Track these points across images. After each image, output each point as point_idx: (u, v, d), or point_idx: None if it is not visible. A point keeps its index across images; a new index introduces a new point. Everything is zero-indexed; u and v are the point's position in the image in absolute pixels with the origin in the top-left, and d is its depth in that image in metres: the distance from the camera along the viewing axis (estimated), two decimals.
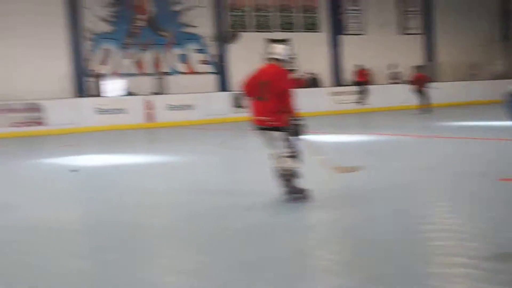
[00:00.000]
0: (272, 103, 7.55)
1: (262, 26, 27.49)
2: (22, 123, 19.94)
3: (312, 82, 27.76)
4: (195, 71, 25.68)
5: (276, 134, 7.64)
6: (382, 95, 26.15)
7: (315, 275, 5.02)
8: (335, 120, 22.88)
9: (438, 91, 24.33)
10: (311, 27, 28.86)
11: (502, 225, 6.28)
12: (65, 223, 7.42)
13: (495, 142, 14.01)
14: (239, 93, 23.88)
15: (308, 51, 28.18)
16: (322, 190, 8.19)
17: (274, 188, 8.03)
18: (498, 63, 33.62)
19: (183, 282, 4.99)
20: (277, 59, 7.77)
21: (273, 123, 7.58)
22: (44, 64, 22.14)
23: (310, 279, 4.89)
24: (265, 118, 7.62)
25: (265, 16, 27.52)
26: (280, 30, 27.95)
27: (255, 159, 12.97)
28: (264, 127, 7.72)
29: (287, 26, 28.19)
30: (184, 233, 6.62)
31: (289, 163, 7.62)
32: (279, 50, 7.84)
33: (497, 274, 4.74)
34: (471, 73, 32.35)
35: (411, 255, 5.38)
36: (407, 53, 29.42)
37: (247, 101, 7.90)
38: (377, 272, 4.94)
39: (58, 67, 22.61)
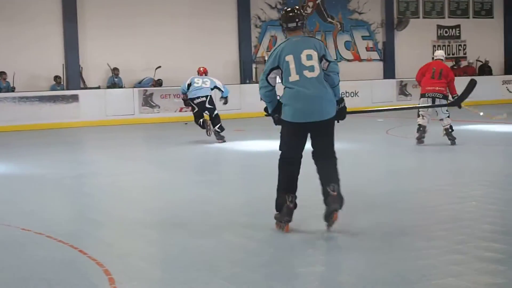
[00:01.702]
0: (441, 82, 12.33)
1: (432, 13, 26.86)
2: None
3: (484, 70, 26.80)
4: (361, 58, 25.54)
5: (441, 101, 12.01)
6: None
7: None
8: (506, 109, 21.92)
9: None
10: (483, 12, 27.83)
11: None
12: (233, 206, 7.66)
13: None
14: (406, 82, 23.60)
15: (480, 38, 27.24)
16: None
17: (445, 178, 7.87)
18: None
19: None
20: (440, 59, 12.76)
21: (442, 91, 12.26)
22: (214, 51, 22.81)
23: None
24: (436, 88, 12.28)
25: (436, 2, 26.85)
26: (451, 16, 27.19)
27: (419, 147, 12.73)
28: (433, 95, 12.25)
29: (459, 12, 27.36)
30: (339, 224, 6.64)
31: (447, 121, 12.24)
32: (440, 53, 13.16)
33: None
34: None
35: None
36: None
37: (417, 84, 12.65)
38: None
39: (227, 53, 23.23)
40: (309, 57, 6.07)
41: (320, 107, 6.05)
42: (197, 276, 4.95)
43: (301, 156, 6.25)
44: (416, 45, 26.08)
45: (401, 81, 24.18)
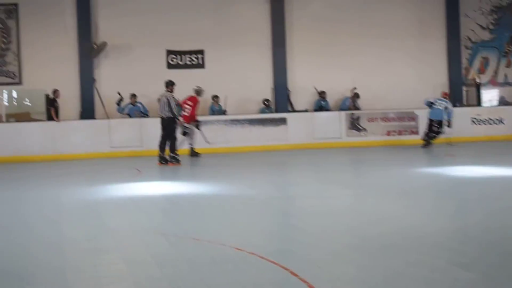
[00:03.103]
0: None
1: None
2: (396, 131, 20.52)
3: None
4: None
5: None
6: None
7: None
8: None
9: None
10: None
11: None
12: (444, 232, 7.42)
13: None
14: None
15: None
16: None
17: None
18: None
19: None
20: None
21: None
22: (422, 74, 22.44)
23: None
24: None
25: None
26: None
27: None
28: None
29: None
30: None
31: None
32: None
33: None
34: None
35: None
36: None
37: None
38: None
39: (435, 75, 22.75)
40: None
41: None
42: None
43: None
44: None
45: None
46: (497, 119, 21.27)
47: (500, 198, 9.80)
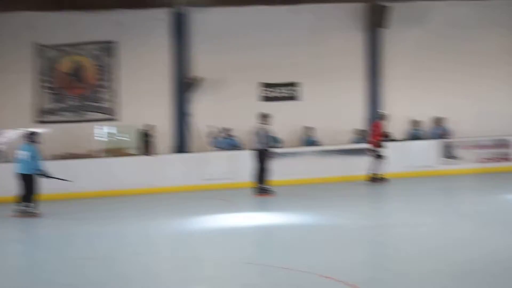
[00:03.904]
0: None
1: None
2: (490, 159, 20.08)
3: None
4: None
5: None
6: None
7: None
8: None
9: None
10: None
11: None
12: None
13: None
14: None
15: None
16: None
17: None
18: None
19: None
20: None
21: None
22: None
23: None
24: None
25: None
26: None
27: None
28: None
29: None
30: None
31: None
32: None
33: None
34: None
35: None
36: None
37: None
38: None
39: None
40: None
41: None
42: None
43: None
44: None
45: None
46: None
47: None
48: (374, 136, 18.08)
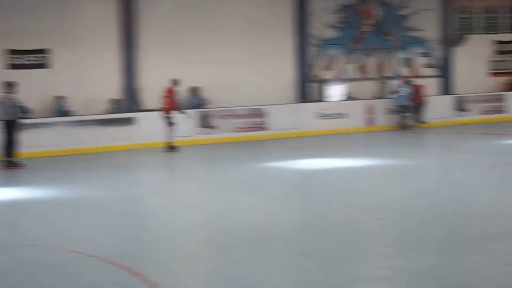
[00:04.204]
0: None
1: (489, 28, 26.33)
2: (246, 128, 20.62)
3: None
4: (419, 74, 25.16)
5: None
6: None
7: None
8: None
9: None
10: None
11: None
12: (290, 224, 7.53)
13: None
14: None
15: None
16: None
17: (500, 191, 7.60)
18: None
19: (398, 279, 4.86)
20: None
21: None
22: (270, 71, 22.74)
23: None
24: None
25: (494, 17, 26.32)
26: (509, 31, 26.59)
27: (479, 162, 12.48)
28: None
29: None
30: (410, 235, 6.46)
31: None
32: None
33: None
34: None
35: None
36: None
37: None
38: None
39: (283, 73, 23.11)
40: None
41: None
42: None
43: None
44: (472, 61, 25.60)
45: (459, 97, 23.69)
46: (340, 113, 21.92)
47: (341, 188, 10.12)
48: (167, 103, 17.74)
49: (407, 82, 22.45)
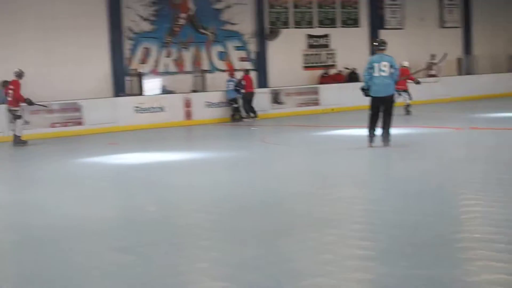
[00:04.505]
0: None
1: (302, 22, 27.45)
2: (61, 122, 20.11)
3: (352, 77, 27.63)
4: (235, 68, 25.77)
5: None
6: (422, 88, 25.70)
7: None
8: None
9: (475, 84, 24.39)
10: (351, 22, 28.72)
11: None
12: (107, 220, 7.56)
13: None
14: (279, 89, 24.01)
15: (348, 46, 28.08)
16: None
17: (316, 181, 8.05)
18: None
19: (218, 271, 5.06)
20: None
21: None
22: (85, 64, 22.38)
23: None
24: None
25: (305, 12, 27.46)
26: (320, 26, 27.86)
27: (296, 153, 13.09)
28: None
29: (327, 22, 28.07)
30: (227, 228, 6.69)
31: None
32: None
33: None
34: (509, 65, 32.05)
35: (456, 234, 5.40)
36: (446, 47, 29.03)
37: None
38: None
39: (98, 66, 22.82)
40: (385, 65, 12.63)
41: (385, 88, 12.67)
42: None
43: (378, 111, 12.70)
44: (287, 54, 26.61)
45: (275, 90, 24.51)
46: (159, 107, 22.01)
47: (158, 182, 10.25)
48: (13, 96, 17.04)
49: (233, 75, 23.08)
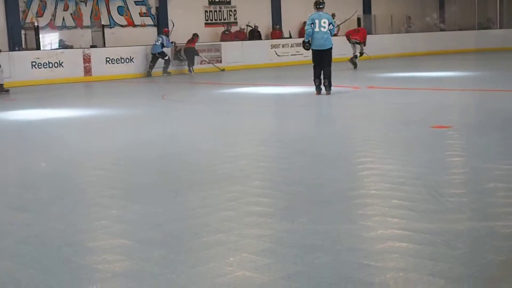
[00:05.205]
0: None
1: None
2: None
3: (254, 35, 27.70)
4: (135, 23, 25.36)
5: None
6: None
7: None
8: (274, 72, 23.09)
9: (374, 43, 24.96)
10: None
11: (433, 169, 6.60)
12: (3, 178, 7.39)
13: (428, 92, 14.37)
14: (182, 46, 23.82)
15: (249, 3, 28.07)
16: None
17: (219, 138, 8.07)
18: (433, 16, 34.13)
19: (118, 228, 5.06)
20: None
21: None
22: None
23: None
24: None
25: None
26: None
27: (196, 110, 13.10)
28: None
29: None
30: (126, 185, 6.65)
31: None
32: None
33: (429, 214, 4.98)
34: (407, 26, 32.87)
35: (351, 195, 5.55)
36: (346, 7, 29.46)
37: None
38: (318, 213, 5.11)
39: None
40: (324, 21, 14.03)
41: (325, 42, 14.10)
42: None
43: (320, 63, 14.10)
44: (189, 10, 26.38)
45: (176, 47, 24.31)
46: (56, 63, 21.47)
47: (56, 138, 10.07)
48: None
49: (164, 32, 23.48)
